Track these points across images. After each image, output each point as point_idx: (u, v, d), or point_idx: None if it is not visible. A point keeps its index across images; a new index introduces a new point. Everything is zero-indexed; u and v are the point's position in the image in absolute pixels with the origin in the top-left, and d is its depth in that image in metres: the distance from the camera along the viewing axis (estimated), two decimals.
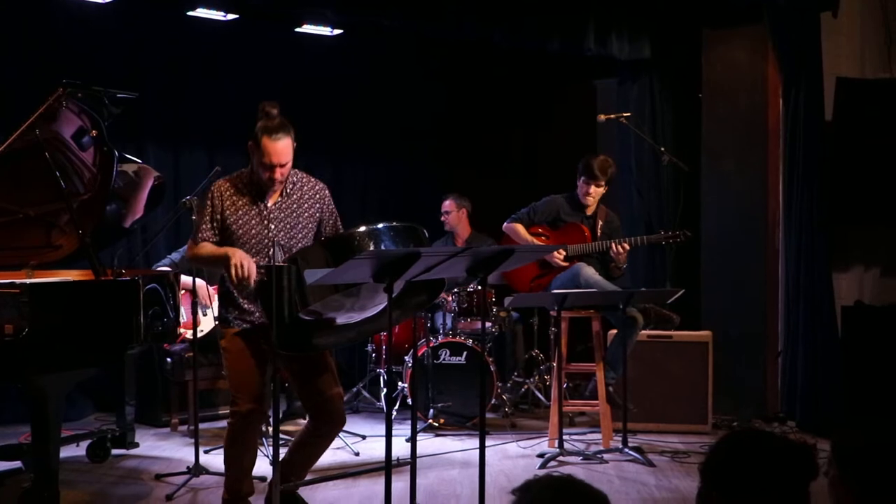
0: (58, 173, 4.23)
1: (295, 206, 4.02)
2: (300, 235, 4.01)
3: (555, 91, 8.23)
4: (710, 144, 6.74)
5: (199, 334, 5.62)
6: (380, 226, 3.65)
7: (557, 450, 5.36)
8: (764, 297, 6.52)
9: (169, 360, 6.06)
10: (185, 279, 5.61)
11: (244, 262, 3.78)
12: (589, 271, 5.69)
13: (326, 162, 7.38)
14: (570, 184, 5.97)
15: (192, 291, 5.76)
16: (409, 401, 5.29)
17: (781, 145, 6.32)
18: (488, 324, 6.32)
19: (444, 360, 6.13)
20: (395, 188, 8.01)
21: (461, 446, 5.67)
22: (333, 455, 5.28)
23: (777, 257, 6.47)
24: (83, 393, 6.37)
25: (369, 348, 6.66)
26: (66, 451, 4.99)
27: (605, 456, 5.41)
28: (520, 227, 5.97)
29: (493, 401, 6.15)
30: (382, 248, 3.58)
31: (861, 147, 6.27)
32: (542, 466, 5.25)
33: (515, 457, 5.50)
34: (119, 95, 4.47)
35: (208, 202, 3.98)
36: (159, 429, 6.17)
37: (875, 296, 6.54)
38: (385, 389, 6.27)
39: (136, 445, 5.58)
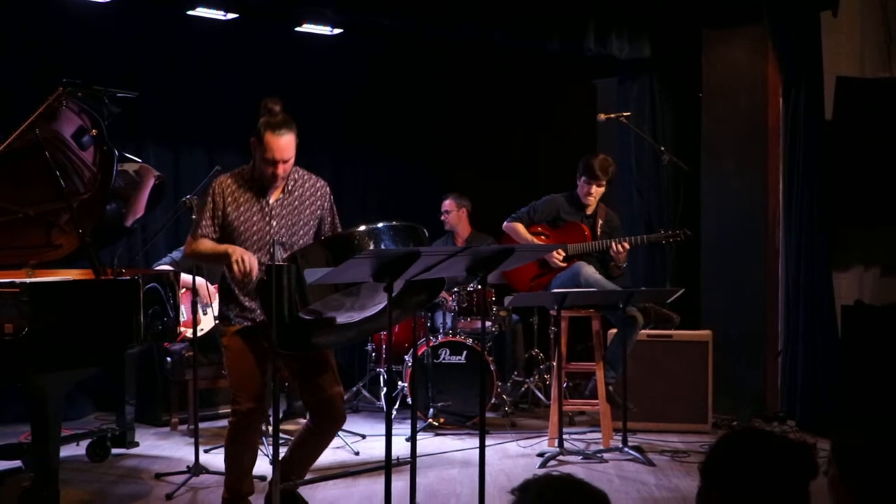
0: (58, 172, 4.23)
1: (297, 203, 4.02)
2: (301, 232, 4.01)
3: (555, 91, 8.23)
4: (710, 144, 6.74)
5: (200, 333, 5.62)
6: (380, 225, 3.65)
7: (557, 449, 5.36)
8: (764, 296, 6.52)
9: (169, 359, 6.06)
10: (186, 277, 5.61)
11: (245, 258, 3.78)
12: (589, 270, 5.69)
13: (326, 161, 7.38)
14: (571, 183, 5.97)
15: (193, 290, 5.76)
16: (409, 400, 5.29)
17: (781, 145, 6.32)
18: (488, 323, 6.32)
19: (444, 359, 6.13)
20: (395, 188, 8.01)
21: (461, 445, 5.67)
22: (333, 454, 5.28)
23: (777, 257, 6.47)
24: (83, 392, 6.37)
25: (369, 347, 6.66)
26: (66, 451, 4.99)
27: (605, 455, 5.41)
28: (520, 227, 5.97)
29: (493, 400, 6.14)
30: (382, 247, 3.58)
31: (861, 146, 6.27)
32: (542, 466, 5.26)
33: (515, 456, 5.51)
34: (119, 95, 4.47)
35: (209, 198, 3.97)
36: (159, 428, 6.17)
37: (875, 295, 6.54)
38: (385, 389, 6.27)
39: (136, 445, 5.58)
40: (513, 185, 7.80)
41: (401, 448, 4.83)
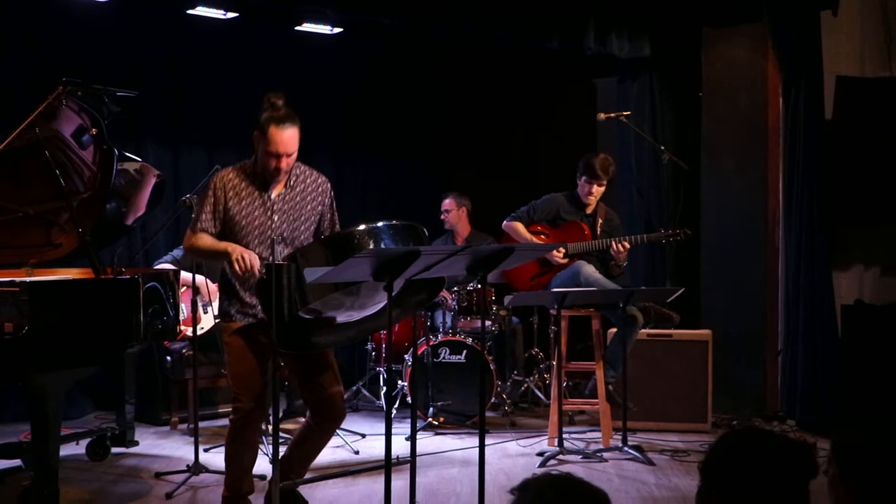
0: (58, 172, 4.23)
1: (298, 198, 4.02)
2: (303, 227, 4.01)
3: (555, 90, 8.23)
4: (710, 143, 6.74)
5: (200, 332, 5.62)
6: (379, 224, 3.66)
7: (557, 448, 5.36)
8: (764, 296, 6.52)
9: (169, 358, 6.06)
10: (186, 275, 5.61)
11: (246, 256, 3.78)
12: (589, 270, 5.69)
13: (326, 160, 7.37)
14: (571, 183, 5.97)
15: (193, 288, 5.76)
16: (409, 399, 5.29)
17: (781, 144, 6.32)
18: (488, 322, 6.32)
19: (443, 358, 6.13)
20: (395, 187, 8.01)
21: (461, 445, 5.67)
22: (333, 453, 5.29)
23: (777, 256, 6.47)
24: (83, 391, 6.38)
25: (369, 347, 6.66)
26: (66, 450, 4.99)
27: (605, 454, 5.41)
28: (520, 226, 5.97)
29: (493, 399, 6.15)
30: (382, 246, 3.58)
31: (861, 146, 6.27)
32: (542, 465, 5.26)
33: (515, 455, 5.51)
34: (119, 94, 4.47)
35: (210, 192, 3.96)
36: (159, 427, 6.17)
37: (875, 295, 6.54)
38: (385, 388, 6.27)
39: (136, 444, 5.58)
40: (513, 185, 7.80)
41: (400, 447, 4.83)
